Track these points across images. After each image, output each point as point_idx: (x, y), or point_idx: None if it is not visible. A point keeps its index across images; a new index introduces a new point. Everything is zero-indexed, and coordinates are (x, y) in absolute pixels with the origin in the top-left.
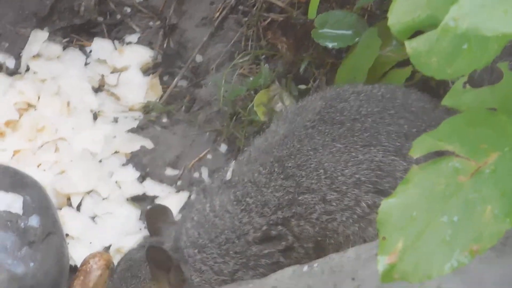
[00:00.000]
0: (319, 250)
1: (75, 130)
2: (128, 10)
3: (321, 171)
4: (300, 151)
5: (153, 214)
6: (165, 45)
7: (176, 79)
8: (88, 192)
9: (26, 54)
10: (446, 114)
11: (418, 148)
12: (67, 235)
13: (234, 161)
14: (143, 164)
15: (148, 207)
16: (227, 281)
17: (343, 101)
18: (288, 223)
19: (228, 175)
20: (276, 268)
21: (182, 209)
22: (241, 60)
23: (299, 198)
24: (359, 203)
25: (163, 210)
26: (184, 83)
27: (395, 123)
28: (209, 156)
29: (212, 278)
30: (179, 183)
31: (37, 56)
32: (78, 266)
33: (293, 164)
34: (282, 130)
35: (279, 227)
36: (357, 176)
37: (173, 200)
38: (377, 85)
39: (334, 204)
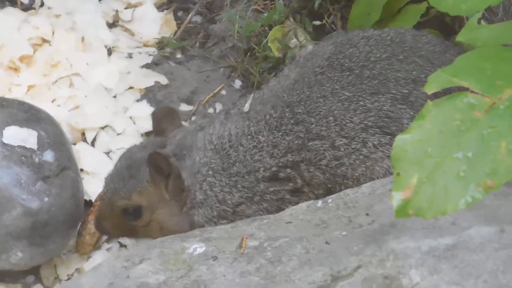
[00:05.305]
0: None
1: (90, 66)
2: None
3: (331, 118)
4: (310, 97)
5: (160, 114)
6: None
7: (190, 15)
8: (103, 128)
9: None
10: (457, 56)
11: (433, 84)
12: (82, 170)
13: (253, 94)
14: (158, 99)
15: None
16: (228, 211)
17: (352, 47)
18: (297, 167)
19: (246, 107)
20: (280, 204)
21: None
22: None
23: (309, 144)
24: (366, 144)
25: (170, 112)
26: (198, 18)
27: (404, 69)
28: (223, 92)
29: (214, 205)
30: (193, 118)
31: None
32: (93, 201)
33: (303, 110)
34: (293, 75)
35: (288, 170)
36: (365, 122)
37: None
38: (387, 29)
39: (343, 149)
